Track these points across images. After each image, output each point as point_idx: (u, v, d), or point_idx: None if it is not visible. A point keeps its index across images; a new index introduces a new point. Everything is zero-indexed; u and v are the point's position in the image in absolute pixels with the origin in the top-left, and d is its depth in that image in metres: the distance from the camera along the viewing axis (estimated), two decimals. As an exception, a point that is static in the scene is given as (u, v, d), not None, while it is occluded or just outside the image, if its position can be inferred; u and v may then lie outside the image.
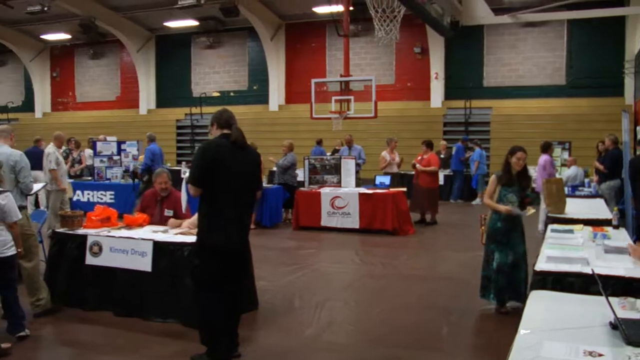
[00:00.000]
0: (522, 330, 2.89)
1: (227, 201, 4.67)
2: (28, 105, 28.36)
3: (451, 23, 14.64)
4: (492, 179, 6.37)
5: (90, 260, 6.18)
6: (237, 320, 4.96)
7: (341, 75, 16.26)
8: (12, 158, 5.98)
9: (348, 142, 15.01)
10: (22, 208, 5.93)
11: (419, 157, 12.70)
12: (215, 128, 4.83)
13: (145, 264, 5.89)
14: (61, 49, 27.69)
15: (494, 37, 20.50)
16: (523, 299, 5.74)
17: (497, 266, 6.17)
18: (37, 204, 13.19)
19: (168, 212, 6.97)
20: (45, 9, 20.40)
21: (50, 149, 10.39)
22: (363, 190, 11.91)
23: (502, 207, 6.12)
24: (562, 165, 15.75)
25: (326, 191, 11.93)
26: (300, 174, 13.60)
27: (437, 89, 21.05)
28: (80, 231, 6.39)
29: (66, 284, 6.32)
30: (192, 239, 5.50)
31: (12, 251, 5.22)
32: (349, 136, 15.13)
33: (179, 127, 24.86)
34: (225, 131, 4.77)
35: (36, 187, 6.79)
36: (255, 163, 4.95)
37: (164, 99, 25.76)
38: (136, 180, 12.86)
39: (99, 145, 14.73)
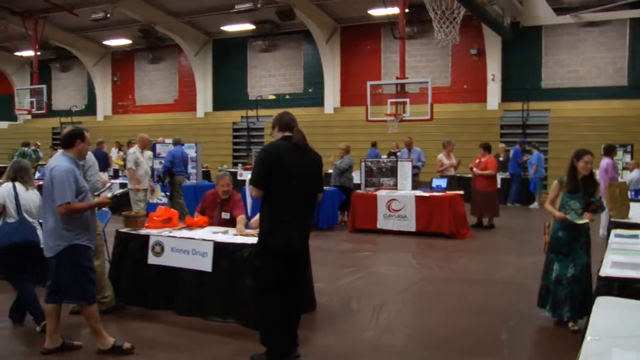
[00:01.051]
0: (589, 337, 2.79)
1: (288, 203, 4.70)
2: (90, 108, 29.28)
3: (511, 24, 14.43)
4: (555, 185, 6.06)
5: (152, 259, 6.32)
6: (297, 321, 4.98)
7: (397, 78, 16.25)
8: (80, 158, 6.16)
9: (407, 145, 14.85)
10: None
11: (477, 161, 12.53)
12: (276, 130, 4.87)
13: (205, 264, 5.98)
14: (122, 54, 28.49)
15: (552, 37, 20.03)
16: (585, 315, 5.54)
17: (556, 277, 5.89)
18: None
19: (225, 215, 7.00)
20: (108, 15, 21.16)
21: (132, 149, 11.55)
22: (420, 193, 11.82)
23: (557, 214, 5.85)
24: (624, 168, 15.29)
25: (382, 194, 11.89)
26: (356, 177, 13.57)
27: (493, 91, 20.74)
28: (143, 231, 6.53)
29: (129, 282, 6.48)
30: (252, 240, 5.58)
31: None
32: (408, 138, 14.95)
33: (235, 130, 25.19)
34: (287, 133, 4.81)
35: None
36: (316, 165, 4.95)
37: (220, 102, 26.16)
38: (162, 183, 13.10)
39: (158, 147, 15.03)
